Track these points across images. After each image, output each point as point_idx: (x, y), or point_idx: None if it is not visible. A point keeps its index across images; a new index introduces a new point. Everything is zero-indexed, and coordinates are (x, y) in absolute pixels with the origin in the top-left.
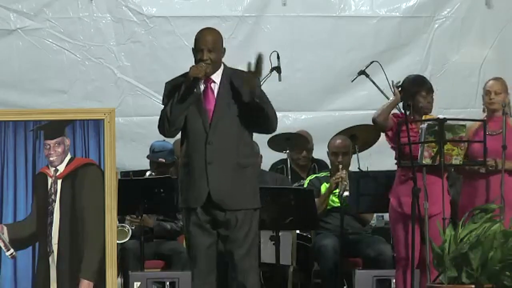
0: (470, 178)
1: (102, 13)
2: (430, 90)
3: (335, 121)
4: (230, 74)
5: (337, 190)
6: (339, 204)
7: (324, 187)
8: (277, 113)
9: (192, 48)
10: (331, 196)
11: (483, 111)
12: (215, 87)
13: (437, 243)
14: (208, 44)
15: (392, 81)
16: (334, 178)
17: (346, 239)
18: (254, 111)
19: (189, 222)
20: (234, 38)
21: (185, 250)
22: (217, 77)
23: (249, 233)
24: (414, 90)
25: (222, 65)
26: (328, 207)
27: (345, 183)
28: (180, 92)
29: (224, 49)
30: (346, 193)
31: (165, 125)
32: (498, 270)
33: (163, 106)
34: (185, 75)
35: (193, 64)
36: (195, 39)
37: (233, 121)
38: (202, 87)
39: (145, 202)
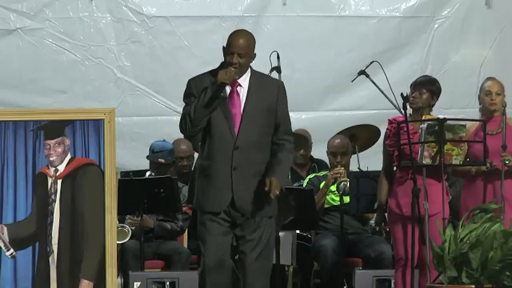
0: (470, 179)
1: (102, 13)
2: (417, 85)
3: (335, 121)
4: (257, 79)
5: (335, 187)
6: (339, 203)
7: (323, 185)
8: None
9: (223, 46)
10: (331, 194)
11: (479, 110)
12: (242, 91)
13: (437, 243)
14: (239, 49)
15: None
16: (332, 173)
17: (346, 239)
18: None
19: (205, 218)
20: None
21: (185, 250)
22: (244, 81)
23: (264, 235)
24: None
25: (249, 68)
26: (327, 206)
27: (345, 178)
28: (205, 95)
29: (255, 54)
30: (346, 187)
31: (187, 125)
32: (498, 270)
33: (185, 103)
34: (211, 73)
35: (193, 63)
36: (229, 40)
37: (257, 127)
38: (228, 89)
39: (145, 202)
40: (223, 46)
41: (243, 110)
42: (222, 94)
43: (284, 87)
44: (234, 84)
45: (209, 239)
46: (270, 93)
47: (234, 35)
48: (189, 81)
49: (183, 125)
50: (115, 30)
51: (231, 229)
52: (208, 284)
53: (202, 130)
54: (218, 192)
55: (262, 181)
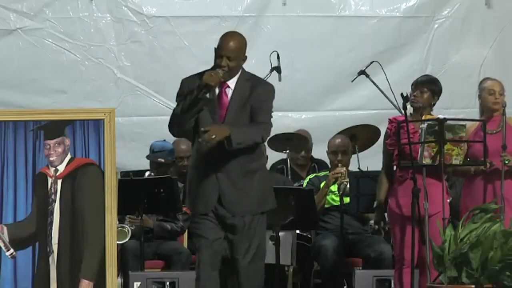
0: (470, 179)
1: (102, 13)
2: (418, 84)
3: (335, 121)
4: (246, 80)
5: (335, 187)
6: (339, 203)
7: (324, 185)
8: (277, 113)
9: (215, 48)
10: (331, 194)
11: (479, 109)
12: (229, 92)
13: (437, 243)
14: (229, 52)
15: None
16: (332, 173)
17: (346, 239)
18: None
19: (197, 217)
20: None
21: (185, 250)
22: (232, 82)
23: (255, 237)
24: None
25: (241, 69)
26: (327, 205)
27: (346, 179)
28: (192, 97)
29: (246, 56)
30: (346, 187)
31: (174, 126)
32: (498, 270)
33: (176, 103)
34: (202, 74)
35: (193, 63)
36: (219, 43)
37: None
38: (217, 91)
39: (145, 202)
40: (215, 48)
41: (226, 112)
42: (209, 96)
43: (270, 89)
44: (223, 85)
45: (202, 235)
46: (255, 93)
47: (225, 38)
48: (182, 80)
49: (171, 126)
50: (115, 30)
51: (223, 230)
52: (202, 278)
53: (190, 130)
54: (206, 193)
55: (251, 178)
